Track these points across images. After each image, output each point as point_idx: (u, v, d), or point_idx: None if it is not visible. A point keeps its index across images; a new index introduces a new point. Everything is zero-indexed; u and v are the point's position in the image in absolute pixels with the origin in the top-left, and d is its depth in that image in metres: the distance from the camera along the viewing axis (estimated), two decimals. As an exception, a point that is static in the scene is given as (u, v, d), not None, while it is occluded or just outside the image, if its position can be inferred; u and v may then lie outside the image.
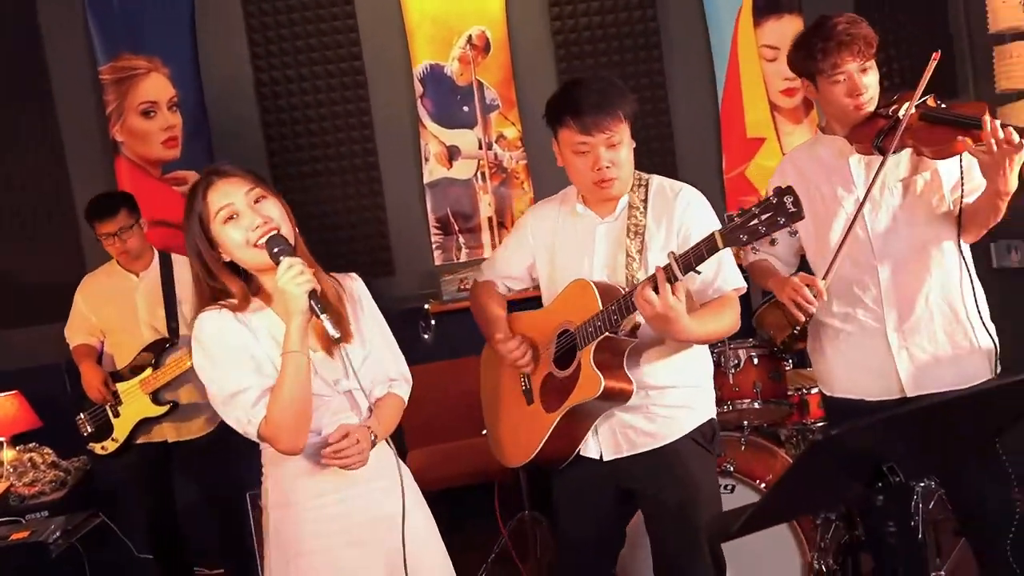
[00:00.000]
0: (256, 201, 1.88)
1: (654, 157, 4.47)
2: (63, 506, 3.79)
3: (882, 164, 2.30)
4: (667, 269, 2.03)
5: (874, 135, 2.32)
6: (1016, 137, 2.13)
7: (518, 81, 4.58)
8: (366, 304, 2.08)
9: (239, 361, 1.88)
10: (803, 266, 2.65)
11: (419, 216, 4.59)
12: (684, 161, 4.63)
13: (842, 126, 2.43)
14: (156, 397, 3.54)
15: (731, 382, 3.30)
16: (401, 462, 2.09)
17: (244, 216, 1.86)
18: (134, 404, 3.55)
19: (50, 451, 4.05)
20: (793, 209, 1.88)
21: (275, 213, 1.89)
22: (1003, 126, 2.14)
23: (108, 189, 4.08)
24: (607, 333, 2.18)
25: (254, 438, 1.90)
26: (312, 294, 1.79)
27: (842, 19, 2.33)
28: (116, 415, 3.57)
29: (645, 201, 2.32)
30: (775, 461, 3.19)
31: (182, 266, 3.64)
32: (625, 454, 2.35)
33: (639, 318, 2.15)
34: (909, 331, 2.40)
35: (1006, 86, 3.79)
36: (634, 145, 2.31)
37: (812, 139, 2.58)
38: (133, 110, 4.35)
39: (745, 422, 3.28)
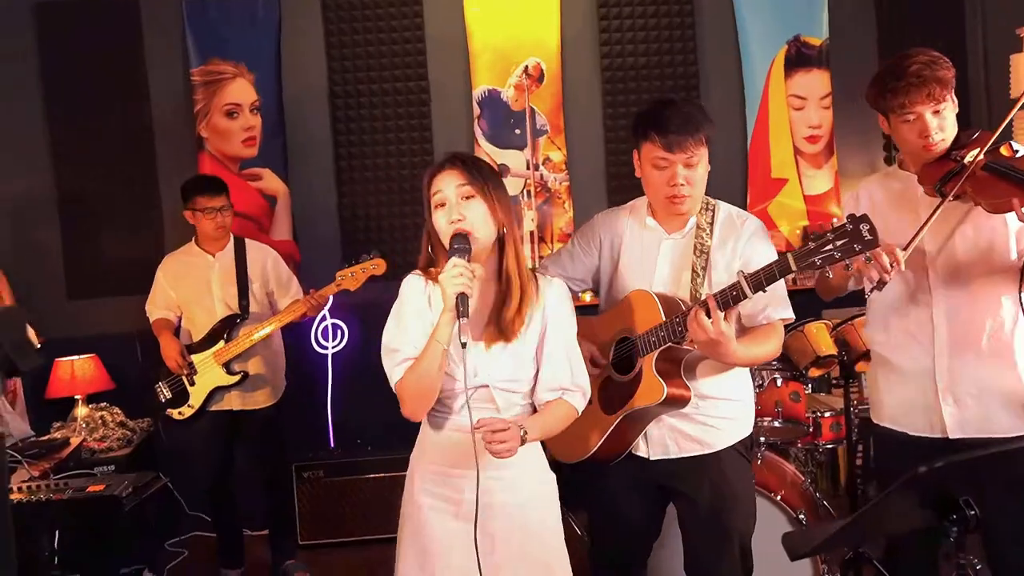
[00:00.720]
0: (465, 197, 1.86)
1: None
2: (127, 463, 3.71)
3: (938, 206, 2.10)
4: (736, 287, 1.95)
5: (939, 178, 2.12)
6: None
7: (567, 110, 4.49)
8: (553, 312, 1.95)
9: (409, 325, 1.89)
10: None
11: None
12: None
13: (914, 164, 2.24)
14: (228, 367, 3.47)
15: (756, 401, 3.10)
16: (544, 466, 2.01)
17: (450, 207, 1.86)
18: (208, 374, 3.47)
19: (119, 411, 3.97)
20: (869, 237, 1.81)
21: (474, 214, 1.85)
22: None
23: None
24: (670, 343, 2.09)
25: (393, 389, 1.91)
26: (461, 297, 1.75)
27: (918, 59, 2.11)
28: (192, 384, 3.48)
29: (712, 224, 2.23)
30: (785, 475, 3.06)
31: (255, 250, 3.63)
32: (672, 456, 2.26)
33: None
34: (958, 375, 2.20)
35: None
36: (709, 169, 2.20)
37: (889, 171, 2.38)
38: (219, 110, 4.27)
39: (762, 438, 3.16)
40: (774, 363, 3.30)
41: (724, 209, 2.28)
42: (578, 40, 4.46)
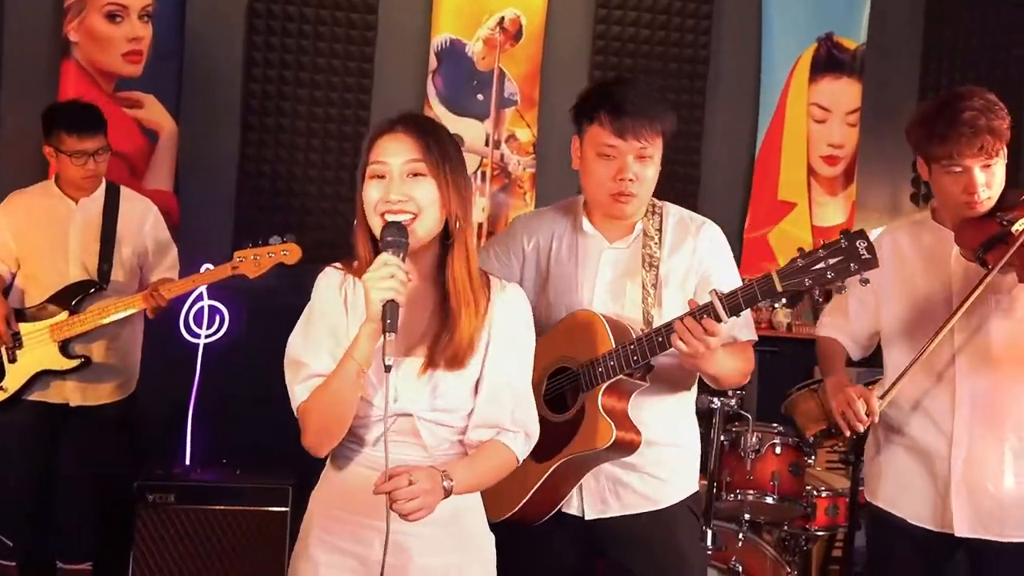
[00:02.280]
0: (412, 174, 1.76)
1: (672, 198, 4.19)
2: None
3: (982, 280, 2.16)
4: (709, 307, 1.96)
5: (981, 243, 2.18)
6: None
7: (545, 80, 4.45)
8: (502, 327, 1.86)
9: (316, 333, 1.82)
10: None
11: (402, 206, 4.29)
12: (705, 208, 4.49)
13: (951, 218, 2.32)
14: (66, 348, 3.30)
15: (748, 468, 3.22)
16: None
17: (390, 182, 1.76)
18: (37, 350, 3.28)
19: None
20: (867, 256, 1.85)
21: (422, 196, 1.74)
22: None
23: (47, 90, 3.88)
24: (622, 375, 2.10)
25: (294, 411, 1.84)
26: (389, 305, 1.65)
27: (973, 105, 2.17)
28: (12, 360, 3.30)
29: (660, 231, 2.25)
30: (766, 563, 3.12)
31: (132, 203, 3.49)
32: (611, 515, 2.25)
33: (654, 360, 2.11)
34: (976, 466, 2.27)
35: None
36: (659, 169, 2.23)
37: (919, 219, 2.47)
38: (97, 9, 4.05)
39: (747, 515, 3.16)
40: (774, 425, 3.33)
41: (674, 213, 2.29)
42: None
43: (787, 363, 4.08)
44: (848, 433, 2.29)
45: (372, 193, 1.77)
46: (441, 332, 1.79)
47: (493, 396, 1.85)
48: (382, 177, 1.78)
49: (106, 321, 3.26)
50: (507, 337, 1.87)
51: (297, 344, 1.84)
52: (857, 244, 1.86)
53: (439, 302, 1.81)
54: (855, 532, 3.20)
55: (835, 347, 2.54)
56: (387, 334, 1.65)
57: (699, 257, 2.24)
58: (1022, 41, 4.27)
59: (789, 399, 3.40)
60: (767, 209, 4.60)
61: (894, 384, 2.26)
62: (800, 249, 1.93)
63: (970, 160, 2.17)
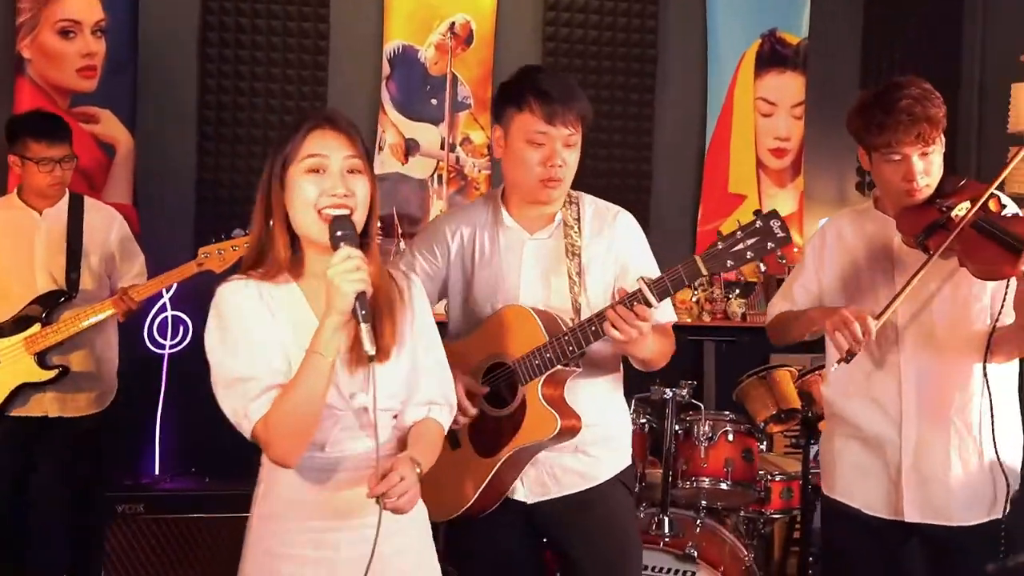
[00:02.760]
0: (350, 171, 1.77)
1: (628, 194, 4.42)
2: None
3: (924, 264, 2.19)
4: (638, 295, 2.03)
5: (922, 229, 2.20)
6: None
7: (497, 83, 4.30)
8: (419, 312, 1.94)
9: (252, 345, 1.78)
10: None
11: (358, 210, 4.34)
12: (659, 202, 4.65)
13: (892, 206, 2.34)
14: (42, 359, 3.30)
15: (701, 456, 3.23)
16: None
17: (330, 177, 1.76)
18: (14, 365, 3.28)
19: None
20: (781, 234, 1.92)
21: (361, 193, 1.78)
22: None
23: (0, 109, 3.88)
24: (558, 366, 2.15)
25: (246, 434, 1.77)
26: (360, 296, 1.68)
27: (909, 93, 2.19)
28: None
29: (579, 220, 2.30)
30: (724, 547, 3.13)
31: (96, 212, 3.50)
32: (552, 496, 2.30)
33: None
34: (924, 452, 2.31)
35: (1018, 190, 3.80)
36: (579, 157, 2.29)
37: (862, 209, 2.49)
38: (50, 26, 4.09)
39: (703, 502, 3.22)
40: (726, 413, 3.38)
41: (589, 202, 2.34)
42: (519, 1, 4.50)
43: (743, 352, 4.16)
44: (844, 356, 2.21)
45: (309, 189, 1.75)
46: (374, 323, 1.80)
47: (425, 375, 1.92)
48: (318, 171, 1.76)
49: (80, 328, 3.26)
50: (426, 321, 1.94)
51: (229, 363, 1.80)
52: (771, 224, 1.92)
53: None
54: (811, 514, 3.26)
55: (790, 312, 2.54)
56: (364, 323, 1.67)
57: (616, 247, 2.29)
58: (958, 33, 4.35)
59: (740, 387, 3.44)
60: (718, 202, 4.63)
61: (889, 305, 2.23)
62: (719, 232, 2.00)
63: (908, 148, 2.20)
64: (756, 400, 3.37)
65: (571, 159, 2.22)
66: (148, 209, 4.18)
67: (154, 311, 3.96)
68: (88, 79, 4.09)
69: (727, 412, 3.40)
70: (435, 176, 4.43)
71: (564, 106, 2.15)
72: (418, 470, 1.78)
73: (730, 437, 3.23)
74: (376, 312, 1.78)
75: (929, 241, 2.19)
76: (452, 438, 2.26)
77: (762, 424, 3.36)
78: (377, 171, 4.27)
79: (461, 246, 2.36)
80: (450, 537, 2.45)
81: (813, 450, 3.98)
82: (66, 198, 3.42)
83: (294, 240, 1.82)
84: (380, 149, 4.38)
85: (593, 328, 2.09)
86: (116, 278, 3.48)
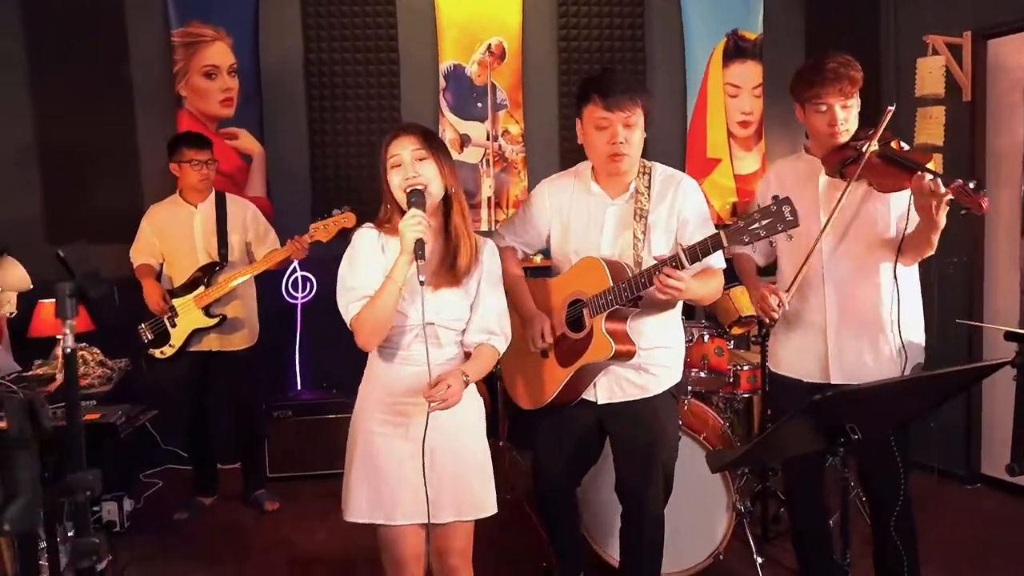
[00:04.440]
0: (419, 159, 1.94)
1: None
2: (107, 400, 3.57)
3: (844, 189, 2.28)
4: (676, 258, 2.05)
5: (840, 161, 2.30)
6: (941, 188, 2.11)
7: (525, 87, 4.56)
8: (487, 267, 2.07)
9: (364, 268, 1.96)
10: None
11: (431, 189, 4.52)
12: None
13: (819, 149, 2.39)
14: (207, 311, 3.50)
15: (685, 354, 3.29)
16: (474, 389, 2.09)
17: (405, 167, 1.94)
18: (188, 316, 3.50)
19: (98, 351, 3.89)
20: (790, 218, 1.91)
21: (430, 172, 1.93)
22: (933, 177, 2.12)
23: (170, 134, 3.88)
24: (618, 306, 2.18)
25: (347, 323, 1.95)
26: (419, 242, 1.84)
27: (836, 59, 2.28)
28: (173, 325, 3.51)
29: (649, 188, 2.27)
30: (707, 419, 3.26)
31: (235, 204, 3.65)
32: (617, 400, 2.37)
33: (641, 293, 2.16)
34: (843, 332, 2.40)
35: (924, 141, 3.86)
36: (645, 136, 2.26)
37: (796, 155, 2.53)
38: (197, 71, 4.25)
39: (689, 387, 3.34)
40: (703, 321, 3.58)
41: (660, 170, 2.32)
42: (538, 22, 4.54)
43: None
44: (768, 321, 2.36)
45: (394, 178, 1.94)
46: (446, 259, 1.97)
47: (486, 311, 2.04)
48: (399, 165, 1.93)
49: (231, 287, 3.46)
50: (492, 272, 2.07)
51: (346, 276, 1.95)
52: (783, 209, 1.91)
53: (446, 246, 2.00)
54: (767, 393, 3.37)
55: (748, 263, 2.59)
56: (419, 261, 1.83)
57: (678, 206, 2.26)
58: (876, 21, 4.27)
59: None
60: (699, 165, 4.64)
61: (795, 278, 2.33)
62: (741, 212, 2.01)
63: (832, 99, 2.24)
64: (722, 311, 3.47)
65: (633, 137, 2.18)
66: (277, 200, 4.34)
67: (288, 272, 4.17)
68: (228, 107, 4.25)
69: (704, 321, 3.56)
70: (484, 160, 4.48)
71: (619, 97, 2.14)
72: (464, 378, 1.92)
73: (705, 338, 3.39)
74: (456, 250, 1.96)
75: (846, 170, 2.27)
76: (543, 351, 2.34)
77: (727, 327, 3.48)
78: None
79: (559, 208, 2.36)
80: (521, 422, 2.49)
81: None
82: (213, 195, 3.59)
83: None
84: None
85: (643, 280, 2.10)
86: (252, 250, 3.62)
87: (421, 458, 1.92)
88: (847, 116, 2.30)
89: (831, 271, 2.38)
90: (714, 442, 3.09)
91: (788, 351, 2.52)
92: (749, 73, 4.68)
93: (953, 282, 3.89)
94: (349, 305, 1.94)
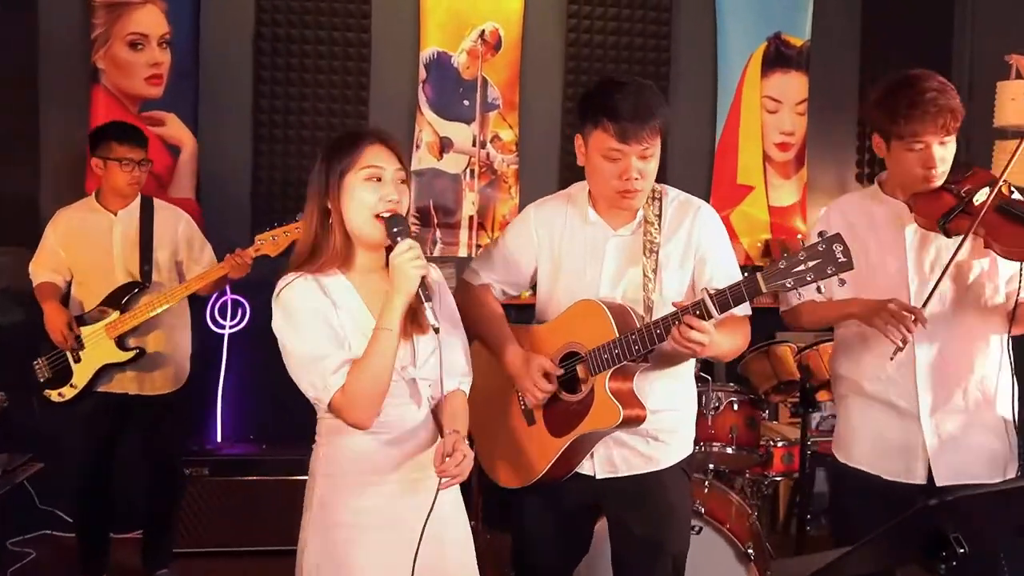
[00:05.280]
0: (400, 181, 1.92)
1: None
2: None
3: (959, 248, 2.16)
4: (701, 305, 1.98)
5: (942, 213, 2.18)
6: None
7: (523, 85, 4.50)
8: (444, 294, 2.06)
9: (320, 328, 1.87)
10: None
11: (399, 203, 4.39)
12: None
13: (905, 191, 2.30)
14: (121, 342, 3.39)
15: (709, 423, 3.27)
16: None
17: (386, 186, 1.89)
18: (97, 349, 3.38)
19: None
20: (843, 259, 1.85)
21: (406, 201, 1.92)
22: None
23: (80, 115, 3.96)
24: (625, 361, 2.10)
25: (322, 404, 1.89)
26: (423, 280, 1.83)
27: (933, 86, 2.16)
28: (77, 360, 3.39)
29: (660, 216, 2.22)
30: (731, 506, 3.17)
31: (164, 212, 3.58)
32: (619, 474, 2.29)
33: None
34: (942, 419, 2.29)
35: (1014, 181, 3.77)
36: (659, 161, 2.20)
37: (868, 191, 2.43)
38: (121, 39, 4.13)
39: (711, 465, 3.26)
40: (731, 384, 3.45)
41: (672, 196, 2.26)
42: (543, 8, 4.48)
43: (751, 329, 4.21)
44: (900, 344, 2.14)
45: (368, 194, 1.87)
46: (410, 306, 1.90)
47: (454, 350, 2.01)
48: (378, 180, 1.88)
49: (152, 313, 3.34)
50: (447, 304, 2.04)
51: (300, 347, 1.86)
52: (834, 247, 1.84)
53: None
54: (806, 476, 3.37)
55: (817, 303, 2.38)
56: (427, 302, 1.83)
57: (696, 239, 2.21)
58: (948, 35, 4.33)
59: (743, 361, 3.45)
60: (727, 192, 4.62)
61: (932, 291, 2.19)
62: (783, 251, 1.94)
63: (931, 137, 2.15)
64: (758, 373, 3.40)
65: (648, 168, 2.13)
66: (210, 203, 4.22)
67: (215, 295, 4.01)
68: (155, 86, 4.13)
69: (732, 384, 3.44)
70: (467, 171, 4.43)
71: (636, 124, 2.07)
72: (466, 442, 1.90)
73: (735, 407, 3.27)
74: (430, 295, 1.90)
75: (950, 225, 2.15)
76: (529, 416, 2.28)
77: (763, 394, 3.39)
78: (414, 167, 4.35)
79: (549, 239, 2.31)
80: (498, 498, 2.41)
81: (815, 418, 4.10)
82: (138, 200, 3.49)
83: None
84: (417, 147, 4.37)
85: (658, 331, 2.04)
86: (184, 270, 3.54)
87: (416, 548, 1.86)
88: (945, 155, 2.20)
89: (924, 342, 2.26)
90: (742, 535, 2.98)
91: (864, 439, 2.39)
92: (792, 85, 4.67)
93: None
94: (328, 379, 1.85)
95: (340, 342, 1.87)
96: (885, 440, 2.35)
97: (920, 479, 2.29)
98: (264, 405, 4.06)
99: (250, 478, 3.92)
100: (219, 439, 4.17)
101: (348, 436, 1.93)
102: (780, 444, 3.49)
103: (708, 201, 4.49)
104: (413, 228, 4.28)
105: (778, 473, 3.51)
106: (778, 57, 4.65)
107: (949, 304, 2.27)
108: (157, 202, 3.56)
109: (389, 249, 1.89)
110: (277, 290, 1.89)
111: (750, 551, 2.90)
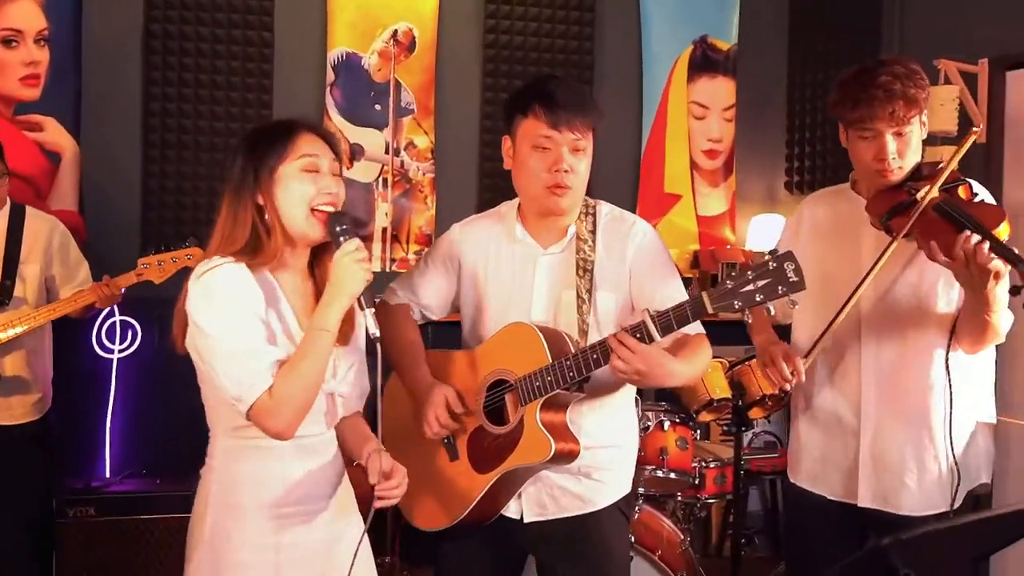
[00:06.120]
0: (335, 174, 1.85)
1: None
2: None
3: (886, 248, 2.12)
4: (641, 327, 1.90)
5: (887, 210, 2.11)
6: (987, 257, 1.94)
7: (439, 88, 4.48)
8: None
9: (251, 321, 1.76)
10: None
11: (306, 213, 4.26)
12: None
13: (865, 187, 2.26)
14: None
15: (639, 445, 3.13)
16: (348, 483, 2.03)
17: (324, 177, 1.82)
18: None
19: None
20: (794, 278, 1.80)
21: (343, 195, 1.85)
22: (993, 248, 1.95)
23: None
24: (558, 390, 2.02)
25: (242, 405, 1.74)
26: (369, 284, 1.77)
27: (892, 71, 2.09)
28: None
29: (593, 232, 2.16)
30: (662, 532, 3.14)
31: (36, 221, 3.40)
32: (549, 517, 2.21)
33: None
34: (881, 439, 2.25)
35: None
36: (591, 165, 2.16)
37: (839, 188, 2.39)
38: None
39: (641, 489, 3.23)
40: (661, 403, 3.46)
41: (605, 211, 2.21)
42: (459, 7, 4.48)
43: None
44: (777, 391, 2.24)
45: (305, 187, 1.78)
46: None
47: (362, 367, 1.95)
48: (316, 171, 1.80)
49: (12, 334, 3.15)
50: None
51: (232, 338, 1.76)
52: (785, 266, 1.81)
53: (316, 293, 1.87)
54: (740, 496, 3.30)
55: (761, 312, 2.45)
56: (368, 308, 1.76)
57: (631, 258, 2.17)
58: (877, 37, 4.33)
59: None
60: (654, 202, 4.63)
61: (816, 343, 2.22)
62: (731, 269, 1.92)
63: (881, 125, 2.09)
64: (688, 391, 3.31)
65: (580, 166, 2.09)
66: (95, 216, 4.07)
67: (102, 316, 3.87)
68: (31, 87, 3.97)
69: (662, 403, 3.43)
70: (380, 180, 4.38)
71: (569, 111, 2.05)
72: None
73: (664, 426, 3.27)
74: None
75: (892, 223, 2.11)
76: (451, 450, 2.20)
77: (694, 412, 3.34)
78: None
79: (473, 261, 2.26)
80: (422, 542, 2.34)
81: (747, 437, 4.07)
82: (7, 208, 3.31)
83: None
84: None
85: (595, 356, 1.97)
86: (55, 286, 3.37)
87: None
88: (902, 147, 2.12)
89: (872, 359, 2.24)
90: (674, 563, 2.98)
91: (811, 457, 2.38)
92: (719, 91, 4.71)
93: None
94: (254, 377, 1.73)
95: (271, 339, 1.78)
96: (829, 459, 2.33)
97: (854, 500, 2.28)
98: (158, 436, 3.89)
99: (142, 517, 3.70)
100: (107, 474, 3.98)
101: (248, 460, 1.83)
102: (713, 465, 3.47)
103: (634, 211, 4.59)
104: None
105: (711, 495, 3.49)
106: (704, 61, 4.70)
107: (899, 315, 2.22)
108: (29, 210, 3.35)
109: (320, 248, 1.86)
110: (199, 272, 1.77)
111: (683, 581, 2.91)
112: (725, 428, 3.79)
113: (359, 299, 1.76)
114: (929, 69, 3.90)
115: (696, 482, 3.40)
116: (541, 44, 4.50)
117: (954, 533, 1.63)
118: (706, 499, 3.51)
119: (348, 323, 1.85)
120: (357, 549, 1.85)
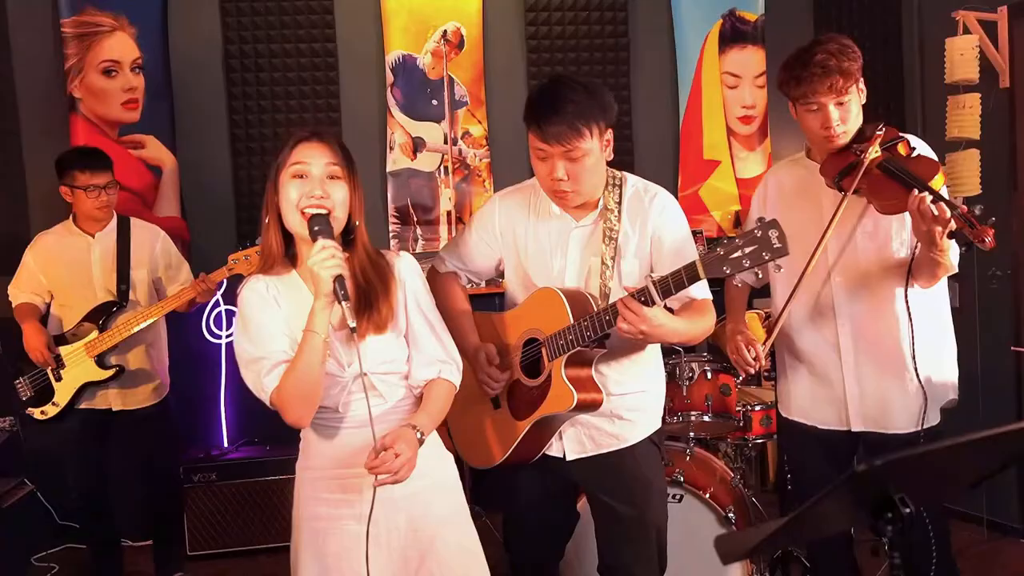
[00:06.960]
0: (330, 176, 1.88)
1: (612, 168, 4.44)
2: None
3: (839, 204, 2.25)
4: (644, 292, 1.99)
5: (838, 171, 2.26)
6: (947, 213, 2.04)
7: (488, 81, 4.56)
8: (410, 284, 2.01)
9: (265, 332, 1.89)
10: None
11: (378, 204, 4.50)
12: (641, 174, 4.52)
13: (818, 154, 2.38)
14: (101, 361, 3.41)
15: (684, 394, 3.30)
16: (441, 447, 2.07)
17: (311, 182, 1.86)
18: (77, 367, 3.40)
19: None
20: (778, 244, 1.86)
21: (339, 196, 1.88)
22: (936, 200, 2.05)
23: (61, 144, 3.91)
24: (579, 347, 2.13)
25: (266, 403, 1.90)
26: (338, 279, 1.79)
27: (826, 48, 2.23)
28: (58, 379, 3.40)
29: (619, 204, 2.23)
30: (715, 473, 3.20)
31: (141, 231, 3.58)
32: (588, 454, 2.34)
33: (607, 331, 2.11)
34: (863, 371, 2.40)
35: (956, 135, 3.82)
36: (612, 156, 2.22)
37: (796, 158, 2.52)
38: (94, 68, 4.17)
39: (691, 433, 3.28)
40: (705, 355, 3.50)
41: (631, 183, 2.28)
42: (501, 5, 4.55)
43: (717, 300, 4.27)
44: (742, 376, 2.38)
45: (292, 192, 1.85)
46: (362, 309, 1.89)
47: (425, 339, 1.99)
48: (303, 177, 1.85)
49: (131, 332, 3.37)
50: (417, 292, 2.01)
51: (247, 347, 1.88)
52: (770, 233, 1.84)
53: (355, 292, 1.89)
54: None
55: (738, 293, 2.61)
56: (344, 302, 1.77)
57: (652, 225, 2.21)
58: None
59: (713, 331, 3.36)
60: (695, 169, 4.68)
61: (775, 326, 2.36)
62: (721, 237, 1.99)
63: (823, 97, 2.20)
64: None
65: (580, 168, 2.12)
66: (196, 219, 4.28)
67: (209, 307, 4.08)
68: (132, 110, 4.17)
69: (705, 354, 3.48)
70: (441, 168, 4.48)
71: (553, 125, 2.07)
72: (418, 436, 1.85)
73: (708, 375, 3.30)
74: (371, 291, 1.91)
75: (843, 182, 2.23)
76: (495, 400, 2.32)
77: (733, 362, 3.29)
78: (389, 168, 4.43)
79: (513, 230, 2.32)
80: (489, 479, 2.44)
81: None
82: (114, 221, 3.51)
83: (291, 235, 1.92)
84: (391, 148, 4.44)
85: (607, 317, 2.05)
86: (162, 287, 3.55)
87: (364, 547, 1.85)
88: (844, 114, 2.26)
89: (843, 302, 2.39)
90: (723, 499, 3.04)
91: (800, 393, 2.53)
92: (750, 60, 4.72)
93: (998, 299, 3.88)
94: (262, 380, 1.87)
95: (278, 344, 1.87)
96: (815, 392, 2.47)
97: (844, 426, 2.44)
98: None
99: (255, 479, 3.97)
100: (225, 444, 4.24)
101: (312, 432, 1.96)
102: (757, 408, 3.46)
103: (677, 179, 4.74)
104: (393, 227, 4.47)
105: (758, 436, 3.49)
106: (734, 33, 4.70)
107: (863, 263, 2.35)
108: (134, 221, 3.57)
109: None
110: (241, 291, 1.94)
111: (731, 515, 2.98)
112: (766, 375, 3.73)
113: (336, 294, 1.77)
114: (948, 20, 3.96)
115: (742, 424, 3.41)
116: (579, 31, 4.56)
117: (952, 451, 1.56)
118: (754, 440, 3.50)
119: (372, 317, 1.88)
120: (369, 518, 1.84)
